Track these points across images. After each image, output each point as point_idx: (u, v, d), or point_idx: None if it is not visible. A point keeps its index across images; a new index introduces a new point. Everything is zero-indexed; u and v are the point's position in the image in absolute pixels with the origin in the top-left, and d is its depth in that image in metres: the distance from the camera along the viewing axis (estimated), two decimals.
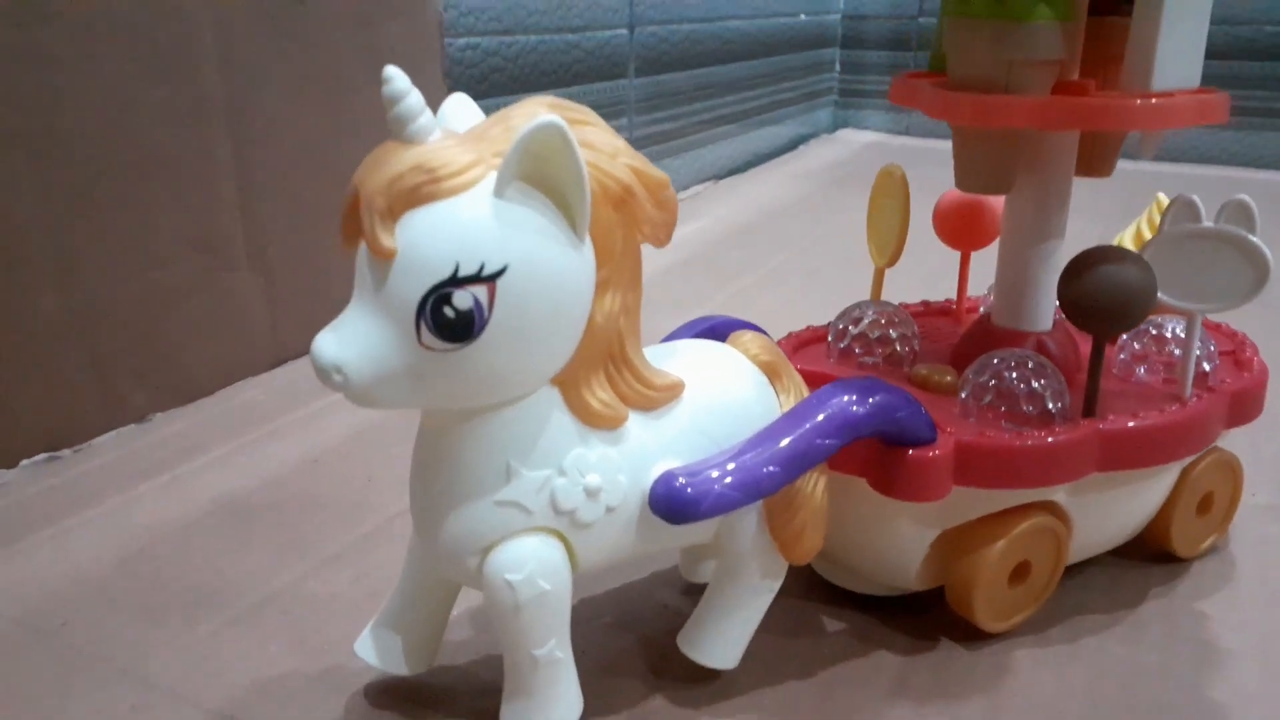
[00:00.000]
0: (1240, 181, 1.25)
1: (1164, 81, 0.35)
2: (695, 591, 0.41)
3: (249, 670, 0.37)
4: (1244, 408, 0.41)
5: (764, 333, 0.40)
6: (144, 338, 0.56)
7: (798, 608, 0.41)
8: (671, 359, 0.34)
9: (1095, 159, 0.42)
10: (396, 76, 0.27)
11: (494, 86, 0.81)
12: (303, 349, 0.66)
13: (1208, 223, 0.38)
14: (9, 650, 0.38)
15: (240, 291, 0.61)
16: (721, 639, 0.35)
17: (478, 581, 0.30)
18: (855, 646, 0.38)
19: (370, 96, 0.68)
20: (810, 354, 0.45)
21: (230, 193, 0.59)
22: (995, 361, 0.38)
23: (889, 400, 0.34)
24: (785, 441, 0.32)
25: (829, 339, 0.44)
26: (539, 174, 0.27)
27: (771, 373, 0.35)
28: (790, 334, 0.46)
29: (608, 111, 0.97)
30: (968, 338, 0.44)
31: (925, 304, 0.51)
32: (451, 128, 0.30)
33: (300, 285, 0.65)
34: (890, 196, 0.45)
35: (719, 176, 1.22)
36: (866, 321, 0.43)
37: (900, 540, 0.38)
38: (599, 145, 0.29)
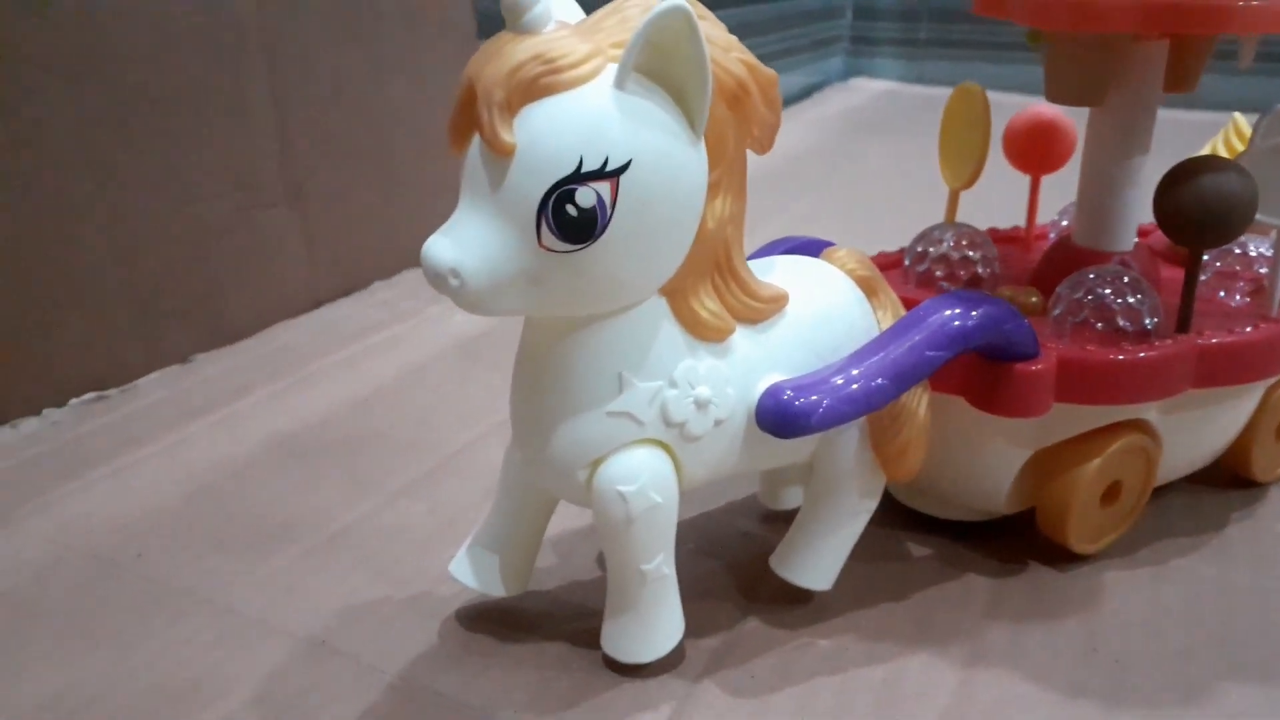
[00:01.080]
0: None
1: None
2: (775, 519, 0.41)
3: (334, 599, 0.36)
4: None
5: (825, 246, 0.39)
6: (184, 276, 0.54)
7: (881, 534, 0.40)
8: (770, 273, 0.33)
9: (1181, 73, 0.41)
10: None
11: None
12: (339, 291, 0.65)
13: None
14: (85, 582, 0.37)
15: (277, 230, 0.59)
16: (817, 559, 0.35)
17: (586, 496, 0.30)
18: (945, 571, 0.38)
19: (405, 35, 0.66)
20: (887, 279, 0.44)
21: (267, 128, 0.57)
22: (1091, 277, 0.37)
23: (996, 312, 0.33)
24: (894, 354, 0.31)
25: (905, 262, 0.43)
26: (659, 66, 0.26)
27: (868, 288, 0.34)
28: (882, 253, 0.45)
29: None
30: (1048, 259, 0.43)
31: (992, 230, 0.50)
32: (557, 14, 0.29)
33: (336, 225, 0.63)
34: (967, 116, 0.44)
35: None
36: (947, 243, 0.42)
37: (993, 461, 0.37)
38: (715, 39, 0.28)
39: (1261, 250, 0.42)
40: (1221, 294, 0.42)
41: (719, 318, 0.30)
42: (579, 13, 0.30)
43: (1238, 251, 0.42)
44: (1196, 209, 0.35)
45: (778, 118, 0.30)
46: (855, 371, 0.31)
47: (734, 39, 0.29)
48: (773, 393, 0.30)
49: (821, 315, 0.32)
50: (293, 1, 0.57)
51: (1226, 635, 0.35)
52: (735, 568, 0.38)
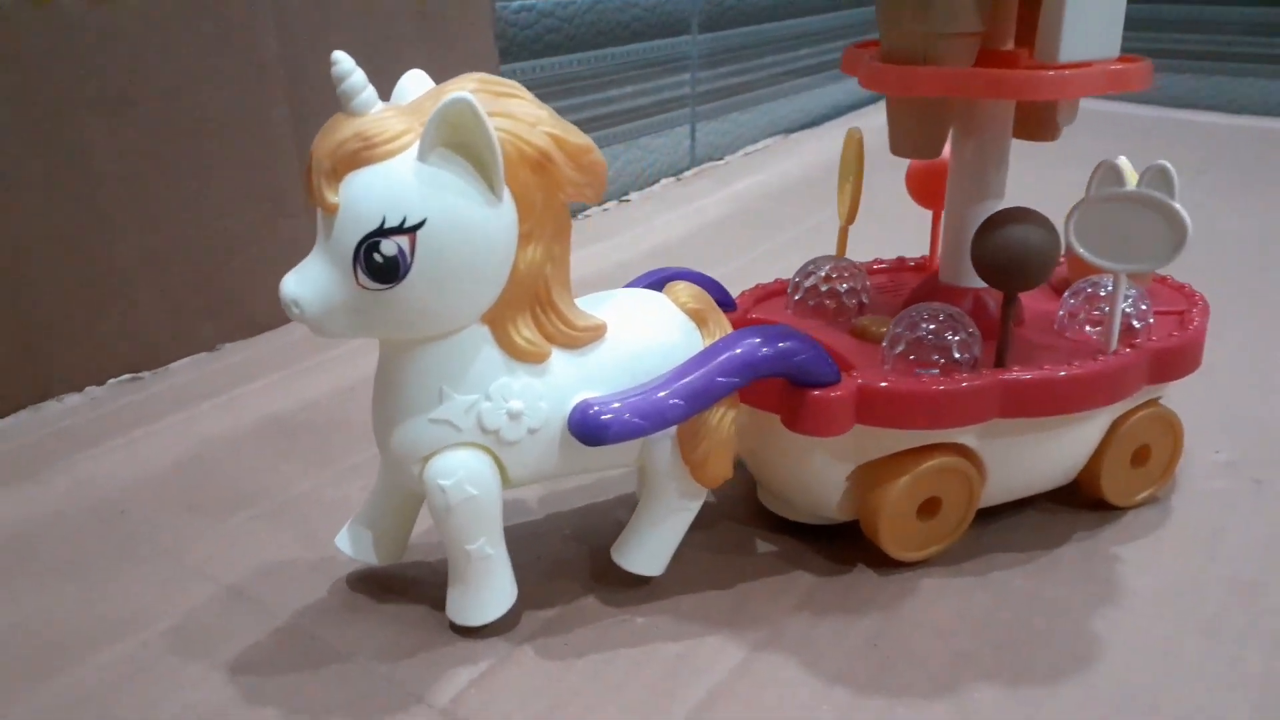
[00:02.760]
0: (1232, 128, 1.20)
1: (1073, 53, 0.38)
2: None
3: (262, 556, 0.44)
4: (1167, 365, 0.43)
5: (714, 284, 0.45)
6: (212, 278, 0.64)
7: (738, 530, 0.45)
8: (604, 305, 0.39)
9: (1034, 123, 0.44)
10: (342, 60, 0.33)
11: (549, 47, 0.86)
12: None
13: (1130, 187, 0.41)
14: (75, 533, 0.46)
15: (298, 237, 0.68)
16: (645, 549, 0.41)
17: (421, 486, 0.36)
18: (778, 566, 0.43)
19: (419, 58, 0.74)
20: (772, 305, 0.49)
21: (289, 148, 0.66)
22: (913, 314, 0.41)
23: (788, 346, 0.38)
24: (689, 378, 0.37)
25: (788, 291, 0.48)
26: (458, 141, 0.32)
27: (699, 319, 0.40)
28: (757, 285, 0.50)
29: (668, 68, 1.01)
30: (915, 293, 0.47)
31: (900, 259, 0.54)
32: (407, 97, 0.35)
33: None
34: (850, 160, 0.48)
35: (790, 130, 1.24)
36: (817, 276, 0.47)
37: (819, 472, 0.42)
38: (519, 115, 0.34)
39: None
40: (1089, 329, 0.45)
41: (533, 344, 0.36)
42: (429, 82, 0.36)
43: (1089, 291, 0.45)
44: (1000, 257, 0.39)
45: (593, 177, 0.36)
46: (656, 392, 0.37)
47: (544, 114, 0.35)
48: (580, 407, 0.36)
49: (640, 342, 0.38)
50: (312, 34, 0.66)
51: (1007, 642, 0.39)
52: (597, 553, 0.44)
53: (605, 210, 0.96)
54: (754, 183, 1.05)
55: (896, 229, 0.60)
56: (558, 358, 0.37)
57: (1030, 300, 0.48)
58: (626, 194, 1.00)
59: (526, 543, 0.45)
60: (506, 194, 0.34)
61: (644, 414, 0.36)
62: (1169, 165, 0.40)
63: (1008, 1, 0.40)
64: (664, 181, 1.04)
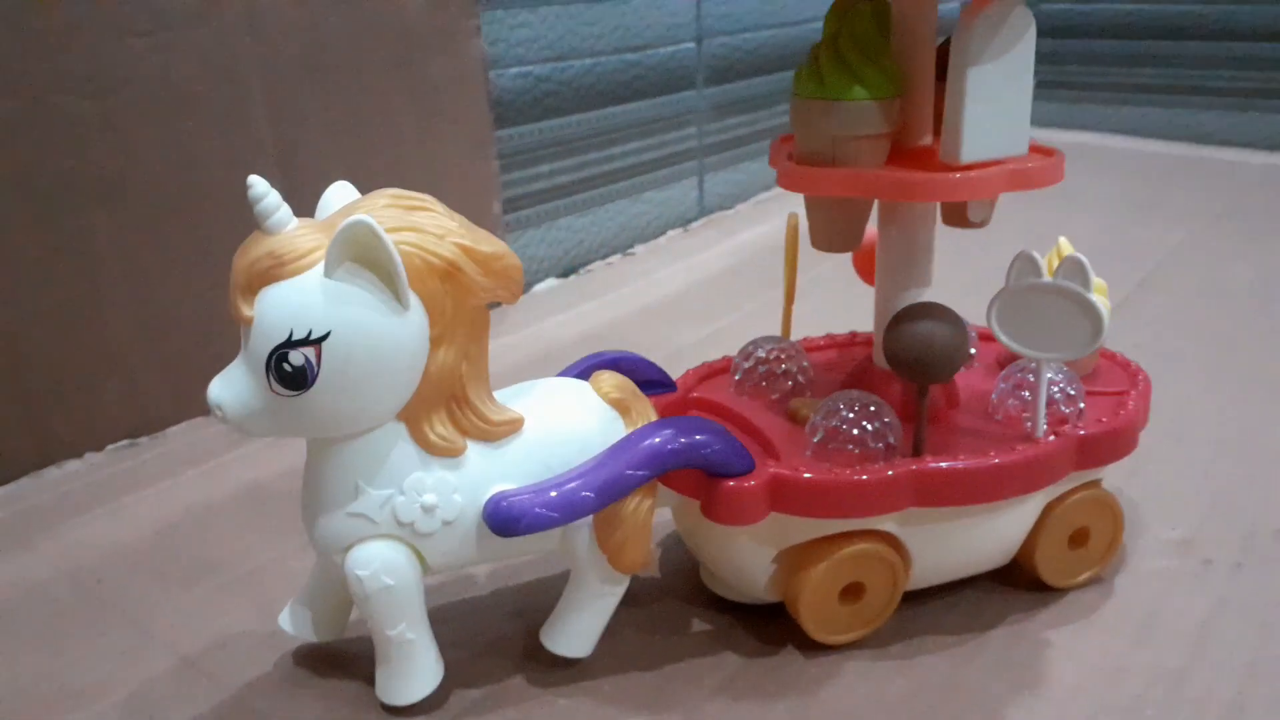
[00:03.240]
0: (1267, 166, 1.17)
1: (975, 154, 0.39)
2: None
3: (219, 627, 0.46)
4: (1095, 451, 0.43)
5: (652, 366, 0.46)
6: (206, 344, 0.67)
7: (678, 609, 0.47)
8: (525, 397, 0.40)
9: (958, 214, 0.45)
10: (257, 183, 0.35)
11: (548, 110, 0.88)
12: None
13: (1046, 278, 0.41)
14: (53, 600, 0.49)
15: None
16: (570, 632, 0.42)
17: (343, 575, 0.38)
18: (708, 646, 0.44)
19: (414, 130, 0.77)
20: (715, 384, 0.50)
21: None
22: (832, 403, 0.42)
23: (698, 439, 0.39)
24: (599, 471, 0.38)
25: (730, 371, 0.49)
26: (364, 257, 0.34)
27: (621, 409, 0.41)
28: (702, 364, 0.51)
29: (673, 122, 1.03)
30: (850, 376, 0.48)
31: (853, 334, 0.55)
32: (330, 209, 0.38)
33: None
34: (789, 245, 0.50)
35: None
36: (755, 358, 0.48)
37: (745, 556, 0.43)
38: (427, 228, 0.36)
39: (1048, 375, 0.45)
40: (1021, 413, 0.46)
41: (447, 440, 0.38)
42: (354, 194, 0.39)
43: (1018, 376, 0.45)
44: (905, 352, 0.40)
45: (505, 281, 0.38)
46: (568, 485, 0.38)
47: (454, 225, 0.37)
48: (494, 500, 0.38)
49: (556, 434, 0.40)
50: (304, 114, 0.69)
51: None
52: (534, 630, 0.45)
53: (609, 264, 0.98)
54: (760, 233, 1.06)
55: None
56: (474, 451, 0.38)
57: (972, 379, 0.49)
58: (632, 247, 1.02)
59: (467, 619, 0.46)
60: (415, 302, 0.36)
61: (555, 506, 0.38)
62: (1083, 258, 0.40)
63: (920, 100, 0.41)
64: (671, 233, 1.06)
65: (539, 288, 0.91)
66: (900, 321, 0.40)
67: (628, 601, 0.47)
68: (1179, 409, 0.63)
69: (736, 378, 0.49)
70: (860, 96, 0.39)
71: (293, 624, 0.43)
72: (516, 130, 0.86)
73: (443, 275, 0.36)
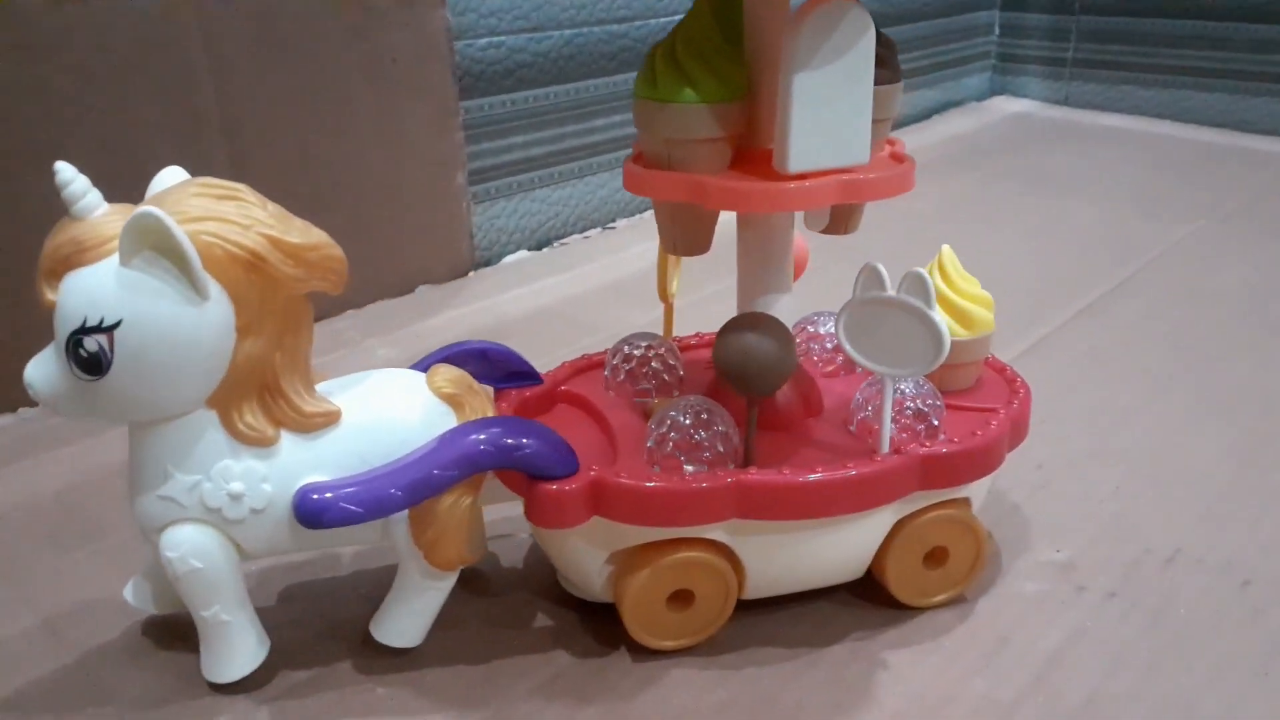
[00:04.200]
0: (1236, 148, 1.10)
1: (804, 163, 0.37)
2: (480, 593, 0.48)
3: (85, 592, 0.48)
4: (943, 471, 0.42)
5: (516, 357, 0.46)
6: None
7: (527, 603, 0.47)
8: (350, 389, 0.41)
9: (832, 218, 0.44)
10: (63, 169, 0.35)
11: (521, 81, 0.88)
12: None
13: (891, 293, 0.40)
14: None
15: None
16: (396, 623, 0.42)
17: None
18: (542, 644, 0.44)
19: (371, 103, 0.77)
20: (589, 378, 0.49)
21: None
22: (668, 409, 0.42)
23: (510, 441, 0.39)
24: (408, 469, 0.38)
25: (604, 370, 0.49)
26: (160, 246, 0.35)
27: (454, 404, 0.41)
28: (582, 355, 0.51)
29: None
30: (713, 381, 0.47)
31: None
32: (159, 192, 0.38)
33: None
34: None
35: None
36: (623, 354, 0.48)
37: (579, 556, 0.43)
38: (232, 218, 0.36)
39: (904, 389, 0.44)
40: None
41: (256, 429, 0.38)
42: (183, 175, 0.39)
43: (873, 388, 0.44)
44: (724, 363, 0.39)
45: (318, 271, 0.38)
46: (377, 481, 0.38)
47: (263, 214, 0.37)
48: (302, 491, 0.38)
49: (376, 427, 0.40)
50: (251, 83, 0.69)
51: None
52: None
53: (586, 238, 0.97)
54: None
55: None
56: (288, 441, 0.39)
57: (848, 386, 0.47)
58: (613, 221, 1.01)
59: (318, 599, 0.47)
60: (219, 292, 0.36)
61: (360, 502, 0.38)
62: (924, 273, 0.39)
63: (760, 104, 0.40)
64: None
65: (507, 260, 0.91)
66: (726, 333, 0.39)
67: (477, 592, 0.47)
68: (1111, 422, 0.61)
69: (606, 374, 0.48)
70: (690, 99, 0.38)
71: (135, 596, 0.44)
72: (486, 101, 0.85)
73: (246, 265, 0.36)
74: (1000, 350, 0.71)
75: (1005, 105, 1.49)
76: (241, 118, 0.69)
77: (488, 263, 0.89)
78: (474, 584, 0.48)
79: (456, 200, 0.84)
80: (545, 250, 0.94)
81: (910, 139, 1.37)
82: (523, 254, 0.92)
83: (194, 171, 0.38)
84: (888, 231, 0.98)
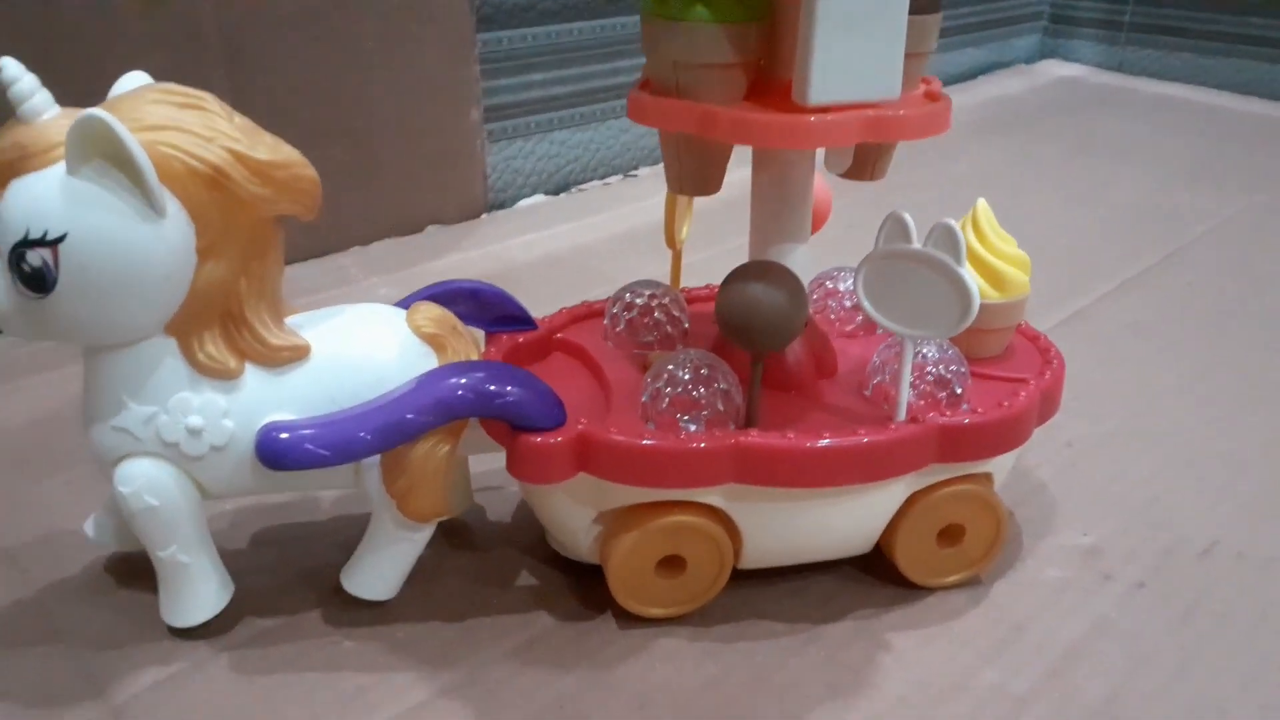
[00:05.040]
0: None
1: (826, 94, 0.33)
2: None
3: (50, 524, 0.45)
4: (963, 444, 0.38)
5: (509, 300, 0.43)
6: None
7: (512, 560, 0.44)
8: (323, 323, 0.38)
9: (855, 163, 0.40)
10: (8, 65, 0.32)
11: (545, 14, 0.84)
12: (313, 252, 0.74)
13: (917, 245, 0.36)
14: None
15: None
16: (368, 574, 0.40)
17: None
18: (525, 603, 0.41)
19: (381, 31, 0.73)
20: (587, 327, 0.46)
21: None
22: (666, 362, 0.38)
23: (492, 388, 0.36)
24: (380, 412, 0.35)
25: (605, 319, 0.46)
26: (111, 155, 0.32)
27: (436, 344, 0.38)
28: (582, 303, 0.47)
29: None
30: (719, 335, 0.43)
31: None
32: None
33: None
34: None
35: None
36: (623, 303, 0.44)
37: (565, 514, 0.40)
38: (194, 129, 0.33)
39: (927, 354, 0.40)
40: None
41: (216, 360, 0.35)
42: (146, 79, 0.36)
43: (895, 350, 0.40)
44: (728, 316, 0.36)
45: (291, 193, 0.35)
46: (346, 423, 0.36)
47: (228, 127, 0.33)
48: (266, 429, 0.36)
49: (348, 365, 0.37)
50: (253, 10, 0.66)
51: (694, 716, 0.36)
52: None
53: (607, 185, 0.93)
54: None
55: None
56: (253, 375, 0.36)
57: (866, 346, 0.44)
58: (636, 169, 0.97)
59: (292, 545, 0.45)
60: (177, 208, 0.33)
61: (326, 444, 0.35)
62: (955, 225, 0.35)
63: (782, 27, 0.36)
64: None
65: (522, 203, 0.87)
66: (730, 282, 0.36)
67: (459, 545, 0.45)
68: (1148, 402, 0.57)
69: (605, 322, 0.45)
70: (702, 18, 0.34)
71: (96, 531, 0.42)
72: (505, 34, 0.81)
73: (208, 182, 0.33)
74: (1036, 319, 0.66)
75: (1055, 69, 1.43)
76: (242, 43, 0.66)
77: (501, 205, 0.86)
78: (456, 537, 0.45)
79: (470, 138, 0.80)
80: (562, 195, 0.90)
81: (954, 99, 1.32)
82: (539, 198, 0.89)
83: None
84: (922, 191, 0.93)
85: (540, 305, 0.46)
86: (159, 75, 0.59)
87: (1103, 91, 1.31)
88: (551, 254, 0.77)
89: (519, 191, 0.87)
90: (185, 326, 0.35)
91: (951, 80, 1.34)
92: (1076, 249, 0.79)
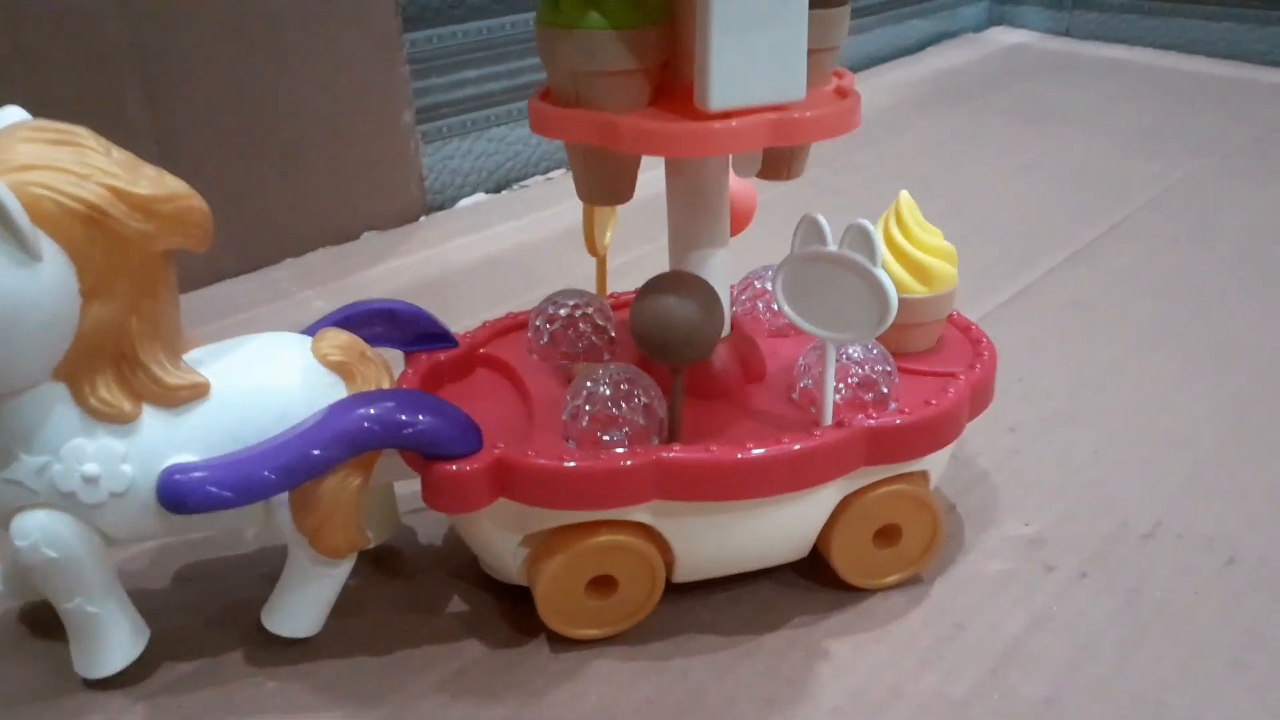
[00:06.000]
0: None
1: (726, 99, 0.32)
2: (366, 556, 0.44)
3: None
4: (895, 444, 0.38)
5: (427, 318, 0.42)
6: None
7: (443, 586, 0.43)
8: (225, 357, 0.36)
9: (769, 163, 0.39)
10: None
11: (472, 11, 0.82)
12: (248, 266, 0.72)
13: (832, 247, 0.35)
14: None
15: None
16: (285, 611, 0.39)
17: None
18: (455, 631, 0.40)
19: (305, 33, 0.71)
20: (513, 340, 0.45)
21: (143, 130, 0.64)
22: (585, 378, 0.37)
23: (398, 418, 0.34)
24: (283, 450, 0.34)
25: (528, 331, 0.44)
26: None
27: (344, 373, 0.37)
28: (507, 314, 0.46)
29: None
30: None
31: None
32: None
33: (238, 211, 0.70)
34: None
35: None
36: (547, 315, 0.43)
37: (490, 538, 0.39)
38: (68, 167, 0.31)
39: (852, 354, 0.39)
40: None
41: (110, 404, 0.34)
42: (22, 115, 0.34)
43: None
44: (641, 329, 0.35)
45: (180, 225, 0.33)
46: (249, 462, 0.34)
47: (106, 163, 0.32)
48: (167, 473, 0.34)
49: (251, 400, 0.35)
50: (170, 18, 0.64)
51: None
52: None
53: (550, 180, 0.92)
54: None
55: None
56: (151, 417, 0.34)
57: (797, 349, 0.43)
58: None
59: (215, 580, 0.43)
60: (55, 251, 0.31)
61: (230, 484, 0.34)
62: (869, 225, 0.34)
63: (683, 30, 0.34)
64: None
65: (463, 203, 0.86)
66: (642, 296, 0.35)
67: (388, 573, 0.44)
68: (1093, 380, 0.57)
69: (529, 335, 0.44)
70: (597, 25, 0.33)
71: (3, 583, 0.40)
72: (434, 32, 0.80)
73: (86, 220, 0.31)
74: (981, 299, 0.66)
75: (1003, 36, 1.42)
76: (160, 50, 0.64)
77: (441, 206, 0.84)
78: (385, 564, 0.44)
79: (403, 139, 0.78)
80: (504, 193, 0.88)
81: (900, 72, 1.31)
82: (480, 197, 0.87)
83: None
84: (869, 170, 0.92)
85: (480, 309, 0.45)
86: (67, 95, 0.57)
87: (1050, 58, 1.31)
88: (492, 255, 0.76)
89: (458, 192, 0.86)
90: (75, 371, 0.33)
91: (899, 53, 1.33)
92: (1023, 222, 0.78)
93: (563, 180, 0.92)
